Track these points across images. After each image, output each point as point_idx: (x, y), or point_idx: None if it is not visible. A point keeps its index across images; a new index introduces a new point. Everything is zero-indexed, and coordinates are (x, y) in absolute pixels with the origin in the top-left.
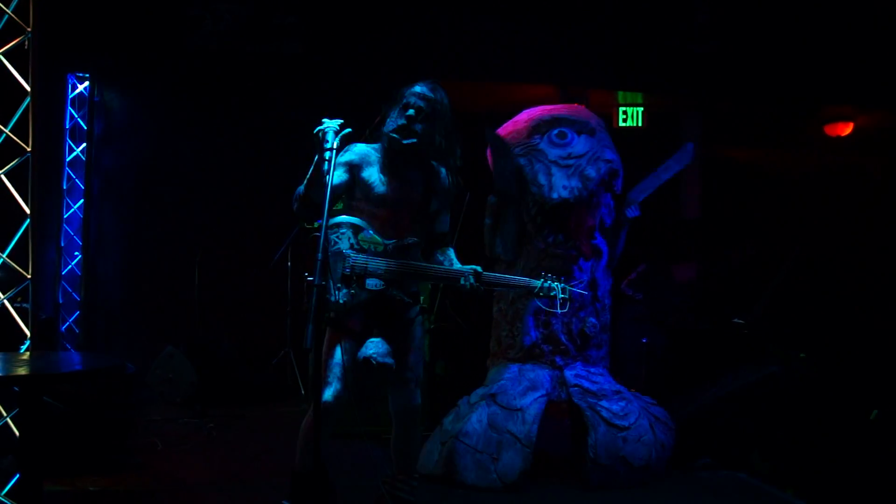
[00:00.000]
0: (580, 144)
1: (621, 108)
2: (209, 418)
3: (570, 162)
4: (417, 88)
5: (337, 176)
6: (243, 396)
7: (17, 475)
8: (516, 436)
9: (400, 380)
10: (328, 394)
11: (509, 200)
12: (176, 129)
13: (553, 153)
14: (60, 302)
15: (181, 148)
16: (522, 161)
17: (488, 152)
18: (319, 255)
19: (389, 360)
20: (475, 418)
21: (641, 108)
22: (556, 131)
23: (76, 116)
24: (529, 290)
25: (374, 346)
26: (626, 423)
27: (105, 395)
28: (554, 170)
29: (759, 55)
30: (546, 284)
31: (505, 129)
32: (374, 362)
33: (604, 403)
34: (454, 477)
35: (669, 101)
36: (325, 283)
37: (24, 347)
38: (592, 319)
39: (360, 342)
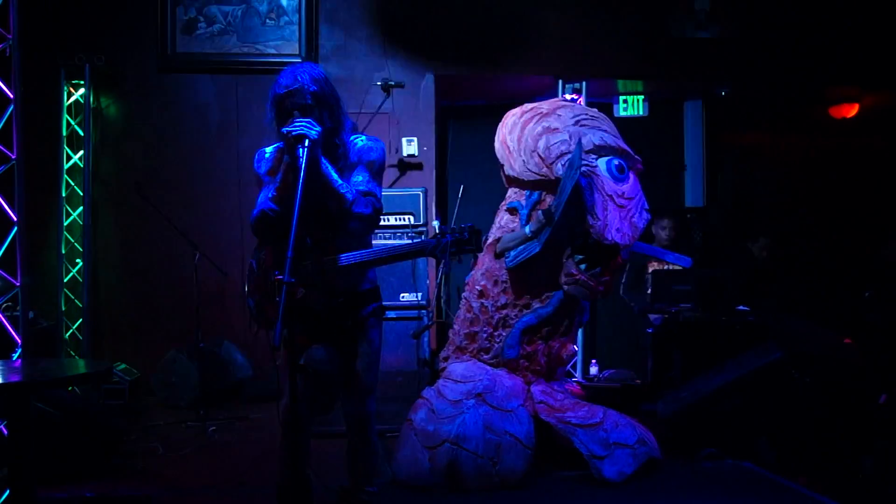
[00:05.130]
0: (632, 185)
1: (621, 97)
2: (212, 422)
3: (624, 203)
4: (282, 90)
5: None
6: (246, 399)
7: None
8: (517, 437)
9: (348, 387)
10: (281, 405)
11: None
12: (173, 132)
13: (610, 187)
14: (63, 309)
15: (179, 152)
16: (583, 182)
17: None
18: (290, 252)
19: (327, 368)
20: (470, 420)
21: (642, 97)
22: (616, 163)
23: (73, 124)
24: (423, 251)
25: (310, 355)
26: (595, 420)
27: (101, 399)
28: (610, 206)
29: (761, 38)
30: (444, 240)
31: (540, 118)
32: (309, 371)
33: (570, 414)
34: (456, 484)
35: (671, 88)
36: (293, 280)
37: (16, 355)
38: (573, 347)
39: (296, 352)
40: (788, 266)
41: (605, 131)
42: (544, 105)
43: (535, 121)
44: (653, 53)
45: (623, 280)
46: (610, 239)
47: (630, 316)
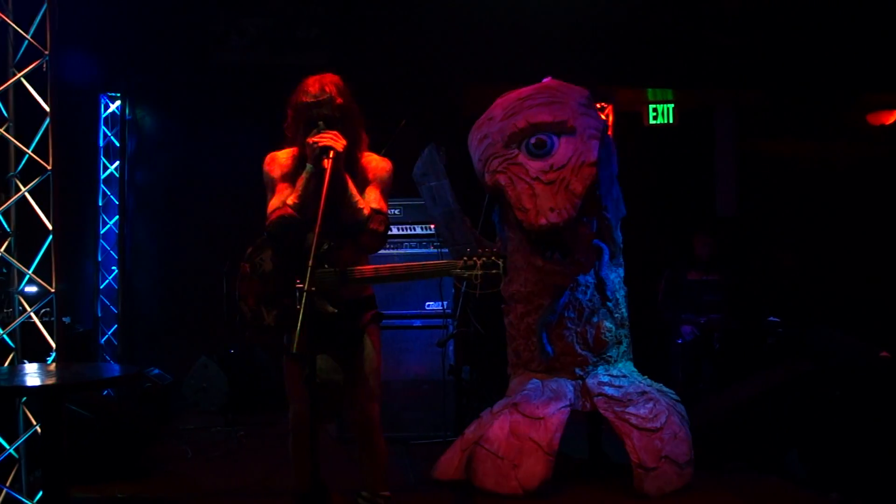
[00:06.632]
0: (561, 151)
1: (651, 106)
2: (240, 426)
3: (553, 176)
4: (310, 99)
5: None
6: (274, 404)
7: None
8: (538, 443)
9: (353, 394)
10: (290, 413)
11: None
12: (206, 143)
13: (534, 168)
14: (99, 315)
15: (211, 161)
16: (503, 180)
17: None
18: (310, 260)
19: (332, 376)
20: (497, 425)
21: (672, 105)
22: (532, 140)
23: (109, 135)
24: (450, 271)
25: (315, 364)
26: (657, 425)
27: (134, 403)
28: (538, 189)
29: (794, 43)
30: (470, 263)
31: (479, 131)
32: (316, 379)
33: (631, 410)
34: (473, 482)
35: (701, 96)
36: (314, 288)
37: (50, 359)
38: (608, 324)
39: (311, 360)
40: (822, 277)
41: (535, 105)
42: (485, 115)
43: (475, 136)
44: (682, 61)
45: (661, 287)
46: (545, 223)
47: (658, 326)
